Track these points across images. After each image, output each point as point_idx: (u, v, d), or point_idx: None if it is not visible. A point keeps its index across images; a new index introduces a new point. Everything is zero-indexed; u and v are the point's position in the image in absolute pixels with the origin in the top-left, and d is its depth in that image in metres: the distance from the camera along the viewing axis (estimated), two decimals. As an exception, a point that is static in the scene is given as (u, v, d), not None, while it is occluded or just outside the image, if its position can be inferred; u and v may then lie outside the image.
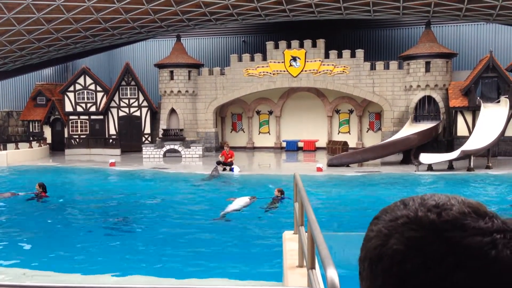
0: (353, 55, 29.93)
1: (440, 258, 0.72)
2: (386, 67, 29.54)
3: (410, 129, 25.76)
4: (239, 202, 14.79)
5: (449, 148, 25.73)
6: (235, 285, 7.92)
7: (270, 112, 33.44)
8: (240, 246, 10.90)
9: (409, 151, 23.83)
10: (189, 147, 28.74)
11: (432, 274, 0.72)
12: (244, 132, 33.88)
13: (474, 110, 26.14)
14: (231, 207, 14.51)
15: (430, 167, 21.36)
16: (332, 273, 2.58)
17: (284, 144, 32.45)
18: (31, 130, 33.76)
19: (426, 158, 21.40)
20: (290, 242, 6.18)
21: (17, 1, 25.11)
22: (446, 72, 27.99)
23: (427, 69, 27.79)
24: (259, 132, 33.70)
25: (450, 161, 21.78)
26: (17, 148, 27.94)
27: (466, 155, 21.24)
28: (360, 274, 0.83)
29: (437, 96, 27.79)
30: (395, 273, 0.74)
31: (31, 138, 31.12)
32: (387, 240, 0.76)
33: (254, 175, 21.28)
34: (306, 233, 4.38)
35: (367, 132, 32.05)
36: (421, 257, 0.73)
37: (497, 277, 0.72)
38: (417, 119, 27.67)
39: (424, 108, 27.92)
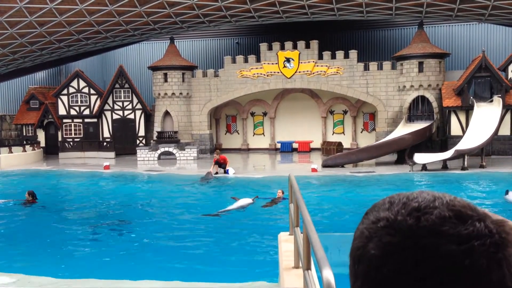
0: (346, 56, 30.01)
1: (413, 265, 0.71)
2: (380, 67, 29.64)
3: (404, 129, 25.85)
4: (241, 202, 14.81)
5: (443, 148, 25.84)
6: (231, 286, 7.92)
7: (265, 114, 33.46)
8: (236, 247, 10.89)
9: (403, 151, 23.90)
10: (184, 149, 28.70)
11: (404, 281, 0.71)
12: (238, 133, 33.88)
13: (468, 110, 26.26)
14: (231, 206, 14.53)
15: (424, 167, 21.43)
16: (328, 274, 2.58)
17: (278, 146, 32.47)
18: (24, 134, 33.60)
19: (420, 158, 21.47)
20: (286, 243, 6.17)
21: (9, 4, 25.01)
22: (439, 72, 28.12)
23: (420, 69, 27.90)
24: (254, 134, 33.71)
25: (444, 161, 21.87)
26: (10, 152, 27.79)
27: (460, 155, 21.33)
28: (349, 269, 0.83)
29: (431, 96, 27.90)
30: (372, 277, 0.74)
31: (25, 142, 30.95)
32: (367, 243, 0.76)
33: (248, 177, 21.27)
34: (302, 234, 4.39)
35: (361, 132, 32.13)
36: (395, 263, 0.72)
37: (468, 285, 0.70)
38: (411, 119, 27.77)
39: (418, 108, 28.03)
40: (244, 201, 15.02)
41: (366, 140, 30.95)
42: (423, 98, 28.00)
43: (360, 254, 0.76)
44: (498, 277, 0.72)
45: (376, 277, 0.74)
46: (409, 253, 0.72)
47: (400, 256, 0.72)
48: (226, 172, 21.72)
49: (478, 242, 0.72)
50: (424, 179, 20.20)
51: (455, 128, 26.96)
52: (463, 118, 26.83)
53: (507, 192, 15.19)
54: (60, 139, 32.90)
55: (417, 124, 26.56)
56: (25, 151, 28.84)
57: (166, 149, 28.73)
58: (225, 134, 34.17)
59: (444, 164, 21.99)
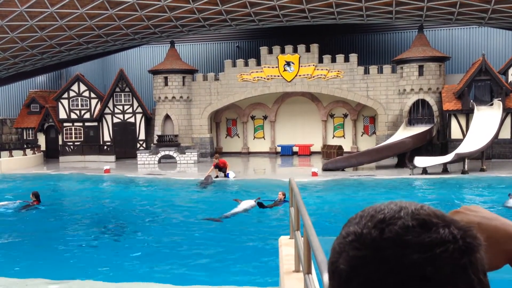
0: (346, 59, 30.04)
1: (379, 278, 0.72)
2: (380, 71, 29.66)
3: (404, 133, 25.85)
4: (244, 205, 14.77)
5: (444, 151, 25.82)
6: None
7: (265, 117, 33.47)
8: (236, 251, 10.88)
9: (403, 155, 23.90)
10: (184, 153, 28.70)
11: None
12: (239, 137, 33.88)
13: (468, 113, 26.27)
14: (234, 210, 14.47)
15: (424, 170, 21.43)
16: (329, 278, 2.57)
17: (279, 149, 32.47)
18: (25, 138, 33.61)
19: (420, 161, 21.46)
20: (286, 247, 6.17)
21: (10, 8, 25.07)
22: (439, 76, 28.14)
23: (421, 73, 27.92)
24: (254, 137, 33.71)
25: (445, 164, 21.86)
26: (11, 156, 27.79)
27: (460, 158, 21.33)
28: None
29: (431, 100, 27.91)
30: None
31: (25, 146, 30.97)
32: (338, 258, 0.77)
33: (249, 180, 21.26)
34: (302, 238, 4.39)
35: (361, 136, 32.13)
36: (361, 277, 0.73)
37: None
38: (411, 122, 27.78)
39: (418, 112, 28.03)
40: (247, 203, 14.97)
41: (366, 143, 30.95)
42: (423, 101, 28.01)
43: (333, 269, 0.78)
44: (464, 283, 0.72)
45: None
46: (374, 265, 0.72)
47: (366, 269, 0.73)
48: (226, 175, 21.71)
49: (440, 249, 0.72)
50: (424, 182, 20.18)
51: (455, 131, 26.96)
52: (463, 122, 26.84)
53: (510, 196, 15.12)
54: (60, 142, 32.90)
55: (418, 127, 26.56)
56: (26, 154, 28.84)
57: (167, 152, 28.73)
58: (226, 137, 34.18)
59: (445, 168, 21.98)
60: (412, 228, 0.74)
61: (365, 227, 0.76)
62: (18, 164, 27.39)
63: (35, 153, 29.92)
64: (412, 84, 28.09)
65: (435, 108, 27.82)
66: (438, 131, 27.33)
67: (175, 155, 28.58)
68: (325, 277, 2.60)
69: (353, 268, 0.74)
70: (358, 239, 0.75)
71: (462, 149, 21.75)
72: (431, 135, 25.66)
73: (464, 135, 24.96)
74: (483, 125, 23.34)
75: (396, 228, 0.74)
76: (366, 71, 29.80)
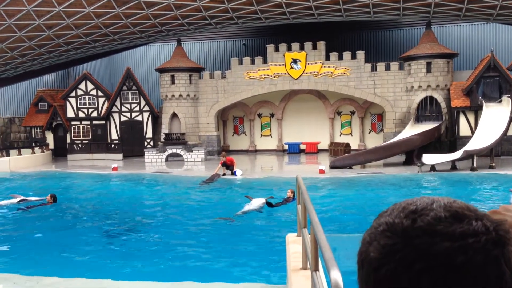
0: (353, 56, 29.93)
1: (408, 264, 0.73)
2: (387, 68, 29.53)
3: (412, 130, 25.73)
4: (254, 203, 14.74)
5: (452, 148, 25.68)
6: (239, 287, 7.92)
7: (272, 115, 33.45)
8: (244, 248, 10.88)
9: (411, 152, 23.79)
10: (191, 151, 28.75)
11: (401, 280, 0.74)
12: (246, 135, 33.89)
13: (476, 110, 26.10)
14: (246, 208, 14.43)
15: (433, 168, 21.33)
16: (336, 275, 2.56)
17: (286, 147, 32.45)
18: (33, 136, 33.83)
19: (429, 158, 21.36)
20: (294, 245, 6.16)
21: (17, 7, 25.19)
22: (448, 72, 27.97)
23: (428, 70, 27.77)
24: (261, 135, 33.71)
25: (453, 161, 21.74)
26: (19, 154, 27.99)
27: (469, 155, 21.19)
28: None
29: (439, 97, 27.76)
30: (372, 279, 0.77)
31: (34, 144, 31.17)
32: (368, 247, 0.79)
33: (256, 178, 21.26)
34: (309, 235, 4.37)
35: (369, 133, 32.03)
36: (392, 264, 0.75)
37: (464, 282, 0.71)
38: (419, 119, 27.64)
39: (426, 109, 27.89)
40: (258, 201, 14.92)
41: (374, 141, 30.85)
42: (431, 98, 27.85)
43: (362, 258, 0.80)
44: (496, 274, 0.72)
45: (376, 279, 0.77)
46: (404, 253, 0.74)
47: (396, 257, 0.75)
48: (233, 173, 21.72)
49: (473, 239, 0.73)
50: (433, 180, 20.08)
51: (463, 128, 26.80)
52: (472, 119, 26.66)
53: None
54: (68, 141, 33.09)
55: (426, 124, 26.43)
56: (34, 153, 29.03)
57: (174, 150, 28.79)
58: (233, 135, 34.20)
59: (453, 165, 21.86)
60: (444, 218, 0.75)
61: (397, 217, 0.79)
62: (27, 162, 27.56)
63: (44, 152, 30.11)
64: (420, 81, 27.95)
65: (443, 105, 27.66)
66: (446, 128, 27.17)
67: (182, 153, 28.63)
68: (333, 274, 2.59)
69: (384, 256, 0.76)
70: (389, 229, 0.78)
71: (471, 146, 21.61)
72: (439, 132, 25.52)
73: (472, 132, 24.80)
74: (492, 122, 23.18)
75: (428, 218, 0.76)
76: (374, 68, 29.68)
